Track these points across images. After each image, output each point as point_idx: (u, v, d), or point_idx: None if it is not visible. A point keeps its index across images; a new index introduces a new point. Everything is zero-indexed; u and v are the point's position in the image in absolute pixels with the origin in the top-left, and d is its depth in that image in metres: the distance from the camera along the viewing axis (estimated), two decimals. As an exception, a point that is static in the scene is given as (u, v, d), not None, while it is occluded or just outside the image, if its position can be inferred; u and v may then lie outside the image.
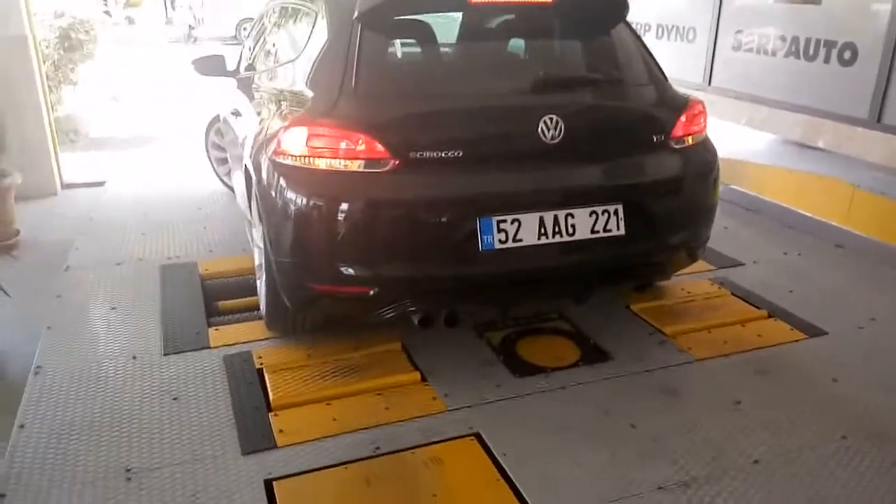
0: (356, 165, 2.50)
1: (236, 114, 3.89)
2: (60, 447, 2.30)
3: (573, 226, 2.59)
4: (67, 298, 3.39)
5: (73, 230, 4.48)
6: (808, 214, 4.47)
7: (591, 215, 2.61)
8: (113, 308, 3.28)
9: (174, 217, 4.62)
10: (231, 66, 4.41)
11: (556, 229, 2.58)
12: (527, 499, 2.08)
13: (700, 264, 3.76)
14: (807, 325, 3.13)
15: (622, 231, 2.66)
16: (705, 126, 3.03)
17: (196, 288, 3.48)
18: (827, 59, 4.88)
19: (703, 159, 2.97)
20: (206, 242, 4.15)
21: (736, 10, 5.68)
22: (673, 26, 6.44)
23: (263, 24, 4.33)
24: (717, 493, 2.11)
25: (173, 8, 21.27)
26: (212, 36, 19.37)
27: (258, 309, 3.22)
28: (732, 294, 3.43)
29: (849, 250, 4.04)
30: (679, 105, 2.94)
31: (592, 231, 2.62)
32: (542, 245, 2.57)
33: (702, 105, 3.02)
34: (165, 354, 2.87)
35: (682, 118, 2.89)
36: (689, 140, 2.92)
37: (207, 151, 5.35)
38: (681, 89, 3.24)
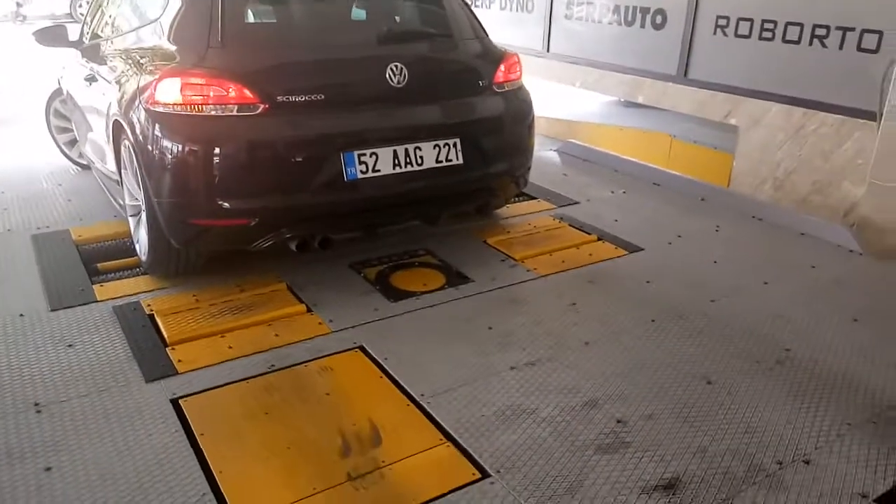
0: (228, 110, 2.78)
1: (90, 79, 3.93)
2: (-39, 394, 2.41)
3: (421, 157, 3.06)
4: (-64, 270, 3.36)
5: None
6: (632, 160, 5.18)
7: (434, 148, 3.10)
8: (-14, 276, 3.31)
9: (33, 191, 4.56)
10: (73, 38, 4.43)
11: (408, 160, 3.03)
12: (406, 387, 2.48)
13: (543, 204, 4.35)
14: (628, 244, 3.75)
15: (461, 161, 3.20)
16: (521, 75, 3.63)
17: (72, 252, 3.55)
18: (643, 24, 5.61)
19: (520, 102, 3.57)
20: (73, 213, 4.17)
21: (566, -17, 6.32)
22: (514, -2, 7.02)
23: None
24: (556, 367, 2.62)
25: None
26: (42, 14, 17.94)
27: (138, 267, 3.38)
28: (570, 226, 4.01)
29: (665, 188, 4.76)
30: (498, 57, 3.52)
31: (437, 161, 3.13)
32: (397, 174, 3.04)
33: (517, 57, 3.62)
34: (53, 310, 2.98)
35: (502, 67, 3.47)
36: (507, 86, 3.51)
37: (49, 127, 5.24)
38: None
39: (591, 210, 4.26)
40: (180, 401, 2.39)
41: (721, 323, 2.96)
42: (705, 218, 4.17)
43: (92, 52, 4.11)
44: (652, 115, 6.53)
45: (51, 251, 3.55)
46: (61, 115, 5.14)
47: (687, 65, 5.28)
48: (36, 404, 2.36)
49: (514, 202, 4.27)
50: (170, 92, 2.81)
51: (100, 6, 4.43)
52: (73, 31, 4.56)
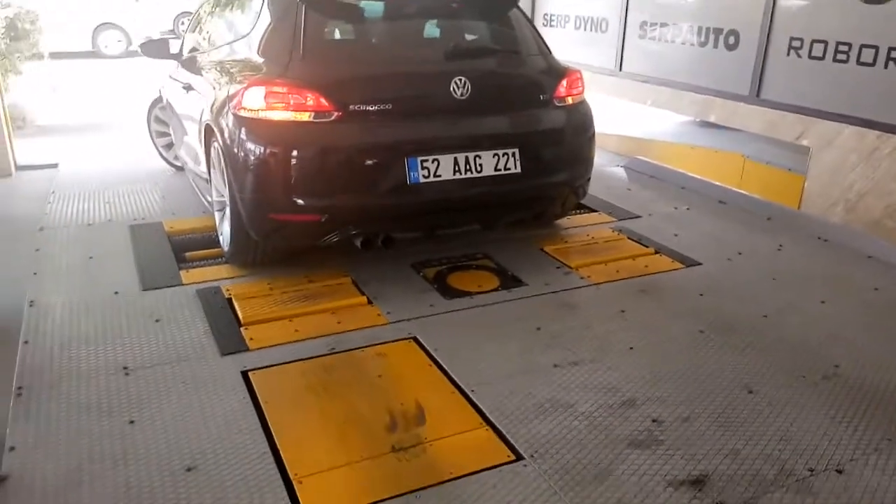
0: (306, 116, 3.06)
1: (187, 88, 4.32)
2: (64, 354, 2.75)
3: (480, 165, 3.25)
4: (47, 251, 3.79)
5: (37, 203, 4.82)
6: (699, 177, 5.19)
7: (493, 157, 3.29)
8: (90, 257, 3.70)
9: (133, 188, 5.01)
10: (174, 51, 4.89)
11: (468, 167, 3.23)
12: (453, 376, 2.64)
13: (603, 216, 4.44)
14: (686, 258, 3.80)
15: (518, 169, 3.36)
16: (583, 90, 3.76)
17: (164, 241, 3.92)
18: (716, 45, 5.63)
19: (580, 116, 3.71)
20: (167, 208, 4.57)
21: (639, 4, 6.40)
22: (589, 18, 7.14)
23: (201, 13, 4.87)
24: (598, 367, 2.73)
25: None
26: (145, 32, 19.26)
27: (222, 257, 3.70)
28: (628, 238, 4.08)
29: (730, 205, 4.76)
30: (560, 73, 3.67)
31: (495, 169, 3.31)
32: (457, 180, 3.24)
33: (579, 73, 3.75)
34: (144, 290, 3.32)
35: (564, 83, 3.61)
36: (569, 100, 3.66)
37: (150, 131, 5.74)
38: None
39: (651, 224, 4.32)
40: (249, 373, 2.64)
41: (771, 338, 2.98)
42: (769, 237, 4.15)
43: (189, 64, 4.54)
44: (728, 135, 6.50)
45: (145, 240, 3.93)
46: (160, 121, 5.62)
47: (759, 85, 5.26)
48: (125, 368, 2.66)
49: (575, 214, 4.39)
50: (255, 99, 3.11)
51: (198, 22, 4.88)
52: (175, 45, 5.02)
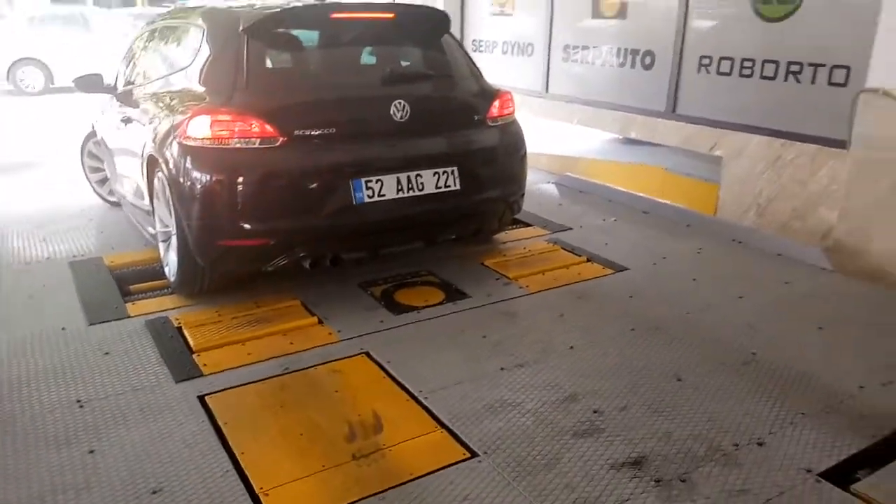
0: (252, 143, 3.16)
1: (126, 121, 4.33)
2: (14, 392, 2.73)
3: (422, 183, 3.43)
4: (-15, 292, 3.72)
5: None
6: (624, 190, 5.51)
7: (434, 175, 3.47)
8: (31, 296, 3.66)
9: (68, 225, 4.94)
10: (108, 84, 4.91)
11: (410, 186, 3.39)
12: (406, 386, 2.77)
13: (538, 230, 4.68)
14: (615, 264, 4.05)
15: (458, 186, 3.55)
16: (513, 111, 4.00)
17: (106, 276, 3.91)
18: (633, 65, 6.00)
19: (512, 135, 3.95)
20: (105, 243, 4.55)
21: (563, 28, 6.76)
22: (515, 43, 7.47)
23: (135, 47, 4.93)
24: (542, 368, 2.91)
25: None
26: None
27: (168, 288, 3.73)
28: (562, 249, 4.32)
29: (653, 215, 5.08)
30: (492, 94, 3.91)
31: (436, 187, 3.50)
32: (400, 198, 3.41)
33: (510, 94, 4.00)
34: (91, 324, 3.32)
35: (496, 104, 3.85)
36: (501, 120, 3.89)
37: (84, 167, 5.67)
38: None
39: (582, 235, 4.58)
40: (206, 397, 2.70)
41: (695, 332, 3.24)
42: (689, 242, 4.46)
43: (125, 97, 4.56)
44: (650, 151, 6.88)
45: (87, 275, 3.91)
46: (94, 156, 5.56)
47: (675, 101, 5.64)
48: (78, 401, 2.68)
49: (512, 228, 4.61)
50: (201, 128, 3.20)
51: (133, 56, 4.91)
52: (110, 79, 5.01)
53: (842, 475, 2.28)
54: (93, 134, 5.50)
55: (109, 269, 4.03)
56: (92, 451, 2.38)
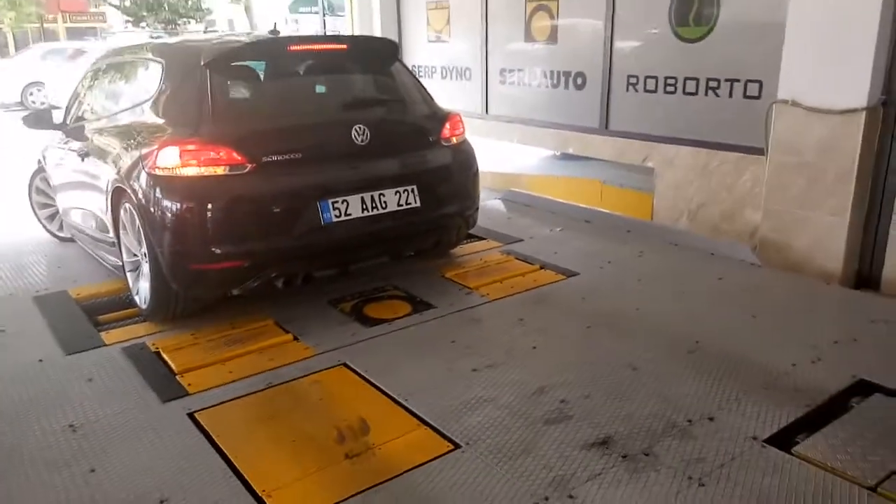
0: (221, 170, 3.32)
1: (83, 156, 4.36)
2: (4, 424, 2.78)
3: (385, 202, 3.67)
4: (-49, 331, 3.70)
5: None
6: (567, 202, 5.85)
7: (395, 194, 3.73)
8: (2, 330, 3.67)
9: (24, 261, 4.92)
10: (57, 121, 4.94)
11: (374, 205, 3.65)
12: (386, 390, 2.96)
13: (491, 243, 4.96)
14: (566, 270, 4.35)
15: (418, 203, 3.80)
16: (464, 131, 4.29)
17: (74, 308, 3.95)
18: (566, 86, 6.39)
19: (464, 153, 4.25)
20: (65, 276, 4.55)
21: (497, 53, 7.12)
22: (454, 68, 7.79)
23: (83, 85, 5.00)
24: (510, 367, 3.15)
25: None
26: (-10, 103, 18.24)
27: (137, 316, 3.80)
28: (515, 259, 4.60)
29: (595, 223, 5.43)
30: (443, 116, 4.20)
31: (398, 205, 3.75)
32: (366, 217, 3.64)
33: (459, 116, 4.29)
34: (68, 354, 3.37)
35: (447, 125, 4.14)
36: (454, 140, 4.18)
37: (32, 203, 5.63)
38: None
39: (533, 246, 4.87)
40: (195, 414, 2.82)
41: (643, 326, 3.55)
42: (630, 246, 4.82)
43: (76, 133, 4.60)
44: (586, 165, 7.28)
45: (54, 309, 3.94)
46: (42, 192, 5.54)
47: (607, 118, 6.04)
48: (71, 425, 2.75)
49: (467, 242, 4.86)
50: (170, 158, 3.33)
51: (83, 93, 4.95)
52: (58, 116, 5.04)
53: (783, 440, 2.59)
54: (40, 170, 5.48)
55: (76, 301, 4.06)
56: (93, 470, 2.47)
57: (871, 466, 2.40)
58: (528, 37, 6.74)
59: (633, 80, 5.75)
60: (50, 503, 2.31)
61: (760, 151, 4.77)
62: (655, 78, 5.57)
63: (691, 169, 5.36)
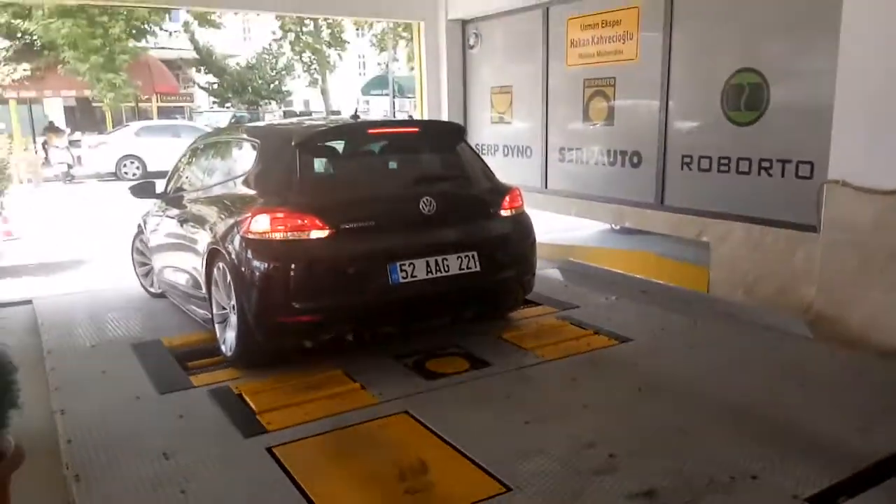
0: (305, 235, 3.75)
1: (182, 221, 4.92)
2: (107, 448, 3.14)
3: (447, 265, 4.03)
4: (61, 370, 4.17)
5: (28, 333, 5.16)
6: (622, 272, 6.06)
7: (457, 259, 4.08)
8: (103, 372, 4.11)
9: (119, 314, 5.43)
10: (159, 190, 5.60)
11: (437, 268, 4.01)
12: (445, 437, 3.19)
13: (547, 308, 5.19)
14: (620, 336, 4.53)
15: (478, 268, 4.14)
16: (522, 203, 4.64)
17: (167, 354, 4.38)
18: (623, 164, 6.71)
19: (523, 223, 4.60)
20: (158, 327, 5.02)
21: (557, 132, 7.53)
22: (515, 146, 8.24)
23: (182, 161, 5.68)
24: (561, 422, 3.34)
25: (44, 149, 21.57)
26: (89, 174, 19.87)
27: (224, 363, 4.19)
28: (570, 323, 4.82)
29: (650, 293, 5.61)
30: (504, 190, 4.57)
31: (460, 268, 4.10)
32: (430, 278, 4.01)
33: (519, 190, 4.64)
34: (161, 393, 3.76)
35: (507, 198, 4.49)
36: (512, 212, 4.53)
37: (133, 262, 6.26)
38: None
39: (588, 312, 5.09)
40: (273, 449, 3.12)
41: (694, 391, 3.69)
42: (685, 316, 4.97)
43: (175, 202, 5.18)
44: (640, 239, 7.52)
45: (149, 354, 4.37)
46: (140, 252, 6.15)
47: (662, 194, 6.29)
48: (164, 453, 3.09)
49: (524, 308, 5.11)
50: (262, 223, 3.79)
51: (178, 168, 5.63)
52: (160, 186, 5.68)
53: (825, 500, 2.69)
54: (139, 233, 6.11)
55: (168, 348, 4.50)
56: (183, 492, 2.78)
57: (911, 529, 2.48)
58: (586, 118, 7.13)
59: (687, 160, 6.02)
60: (148, 517, 2.62)
61: (813, 228, 4.92)
62: (710, 158, 5.82)
63: (745, 244, 5.51)
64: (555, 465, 2.95)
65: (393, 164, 4.66)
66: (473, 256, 4.13)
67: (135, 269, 6.18)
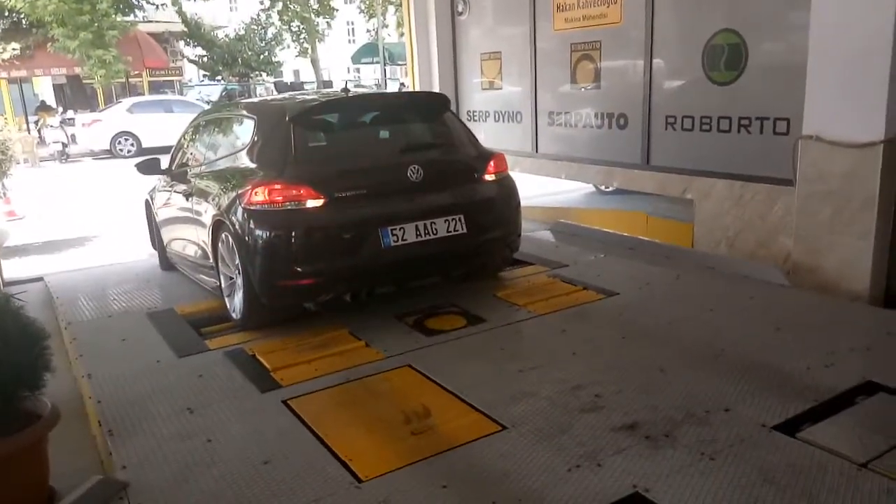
0: (301, 204, 4.03)
1: (186, 195, 5.15)
2: (135, 406, 3.43)
3: (436, 229, 4.30)
4: (82, 339, 4.44)
5: (44, 307, 5.41)
6: (611, 231, 6.32)
7: (445, 222, 4.34)
8: (123, 339, 4.38)
9: (131, 286, 5.70)
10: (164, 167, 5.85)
11: (426, 231, 4.28)
12: (445, 386, 3.48)
13: (539, 268, 5.46)
14: (607, 290, 4.81)
15: (465, 230, 4.40)
16: (507, 168, 4.87)
17: (181, 321, 4.66)
18: (610, 126, 6.91)
19: (507, 187, 4.84)
20: (170, 297, 5.30)
21: (546, 97, 7.71)
22: (506, 112, 8.42)
23: (184, 138, 5.89)
24: (551, 368, 3.62)
25: (37, 128, 21.60)
26: (84, 152, 19.95)
27: (235, 327, 4.46)
28: (560, 281, 5.09)
29: (638, 250, 5.87)
30: (488, 155, 4.80)
31: (447, 231, 4.37)
32: (419, 241, 4.27)
33: (502, 155, 4.87)
34: (180, 357, 4.04)
35: (492, 163, 4.72)
36: (497, 176, 4.77)
37: (151, 234, 6.52)
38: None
39: (577, 270, 5.35)
40: (289, 401, 3.40)
41: (675, 337, 3.97)
42: (668, 270, 5.24)
43: (180, 177, 5.41)
44: (631, 199, 7.75)
45: (165, 322, 4.65)
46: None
47: (648, 154, 6.51)
48: (188, 408, 3.38)
49: (516, 267, 5.38)
50: (260, 195, 4.04)
51: (182, 145, 5.84)
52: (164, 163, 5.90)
53: (789, 427, 2.97)
54: (147, 207, 6.37)
55: (182, 316, 4.76)
56: (209, 440, 3.07)
57: (864, 448, 2.77)
58: (574, 82, 7.31)
59: (671, 120, 6.23)
60: (179, 462, 2.91)
61: (790, 182, 5.15)
62: (692, 118, 6.03)
63: (727, 199, 5.75)
64: (545, 406, 3.24)
65: (382, 135, 4.89)
66: (460, 219, 4.38)
67: (152, 240, 6.44)
